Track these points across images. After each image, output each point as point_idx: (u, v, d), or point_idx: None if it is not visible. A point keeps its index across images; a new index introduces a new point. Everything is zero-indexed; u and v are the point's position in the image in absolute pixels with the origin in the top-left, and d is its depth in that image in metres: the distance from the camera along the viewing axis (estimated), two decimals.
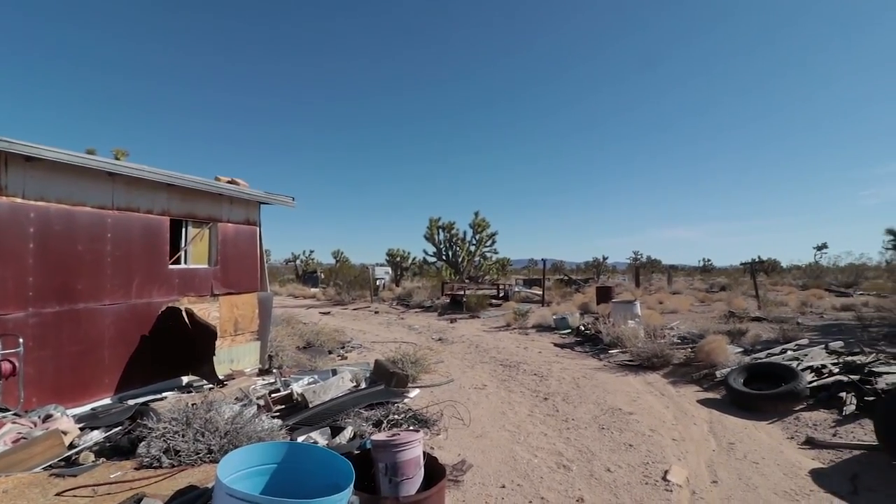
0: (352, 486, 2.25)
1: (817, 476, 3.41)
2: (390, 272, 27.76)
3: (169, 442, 3.31)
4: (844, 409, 4.45)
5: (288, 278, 32.77)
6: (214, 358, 5.23)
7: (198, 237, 5.75)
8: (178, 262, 5.64)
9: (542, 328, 11.14)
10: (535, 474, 3.50)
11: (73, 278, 4.40)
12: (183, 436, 3.35)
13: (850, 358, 5.60)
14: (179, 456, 3.22)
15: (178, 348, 5.35)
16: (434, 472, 2.83)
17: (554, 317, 11.22)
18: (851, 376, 4.89)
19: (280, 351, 6.82)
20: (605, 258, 36.27)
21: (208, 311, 5.68)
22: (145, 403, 4.45)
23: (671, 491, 3.21)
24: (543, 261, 18.53)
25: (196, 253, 5.81)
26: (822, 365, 5.39)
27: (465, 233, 23.88)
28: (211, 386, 5.28)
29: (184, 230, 5.71)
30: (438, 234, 23.92)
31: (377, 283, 23.09)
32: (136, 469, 3.21)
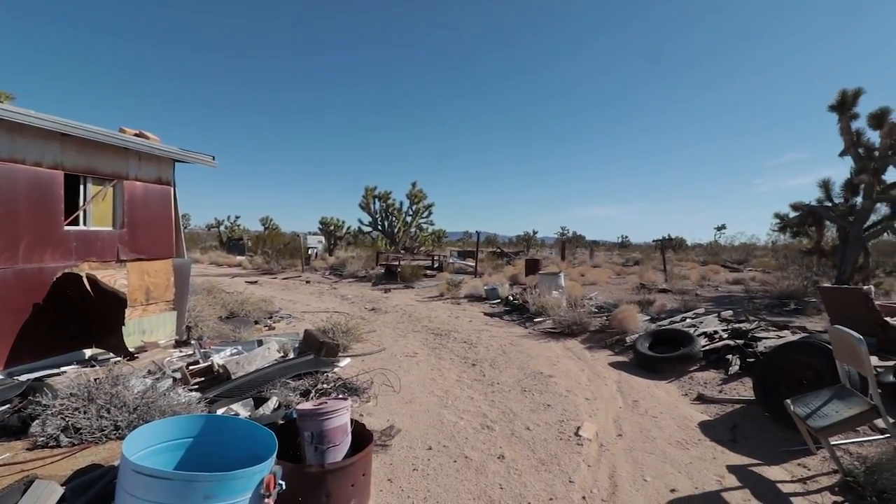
0: (274, 455, 2.22)
1: (704, 427, 3.90)
2: (323, 241, 26.94)
3: (68, 419, 3.04)
4: (730, 369, 5.08)
5: (210, 245, 30.68)
6: (123, 329, 4.81)
7: (100, 196, 5.14)
8: (76, 223, 5.03)
9: (473, 298, 11.46)
10: (460, 435, 3.66)
11: None
12: (85, 412, 3.09)
13: (736, 325, 6.37)
14: (81, 434, 2.97)
15: (80, 319, 4.85)
16: (362, 438, 2.86)
17: (485, 287, 11.57)
18: (737, 341, 5.58)
19: (200, 321, 6.42)
20: (534, 232, 37.75)
21: (114, 278, 5.18)
22: (39, 379, 4.02)
23: (582, 445, 3.51)
24: (477, 233, 18.91)
25: (99, 214, 5.21)
26: (714, 331, 6.09)
27: (401, 203, 23.66)
28: (119, 359, 4.87)
29: (83, 187, 5.09)
30: (374, 203, 23.48)
31: (309, 253, 22.34)
32: (28, 450, 2.93)
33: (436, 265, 18.02)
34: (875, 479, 2.65)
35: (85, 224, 5.12)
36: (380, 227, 23.74)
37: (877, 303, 5.78)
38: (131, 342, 5.17)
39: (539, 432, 3.73)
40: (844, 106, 10.04)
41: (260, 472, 2.13)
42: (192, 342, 5.69)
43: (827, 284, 8.88)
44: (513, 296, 10.47)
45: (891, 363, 4.67)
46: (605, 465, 3.26)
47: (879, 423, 3.38)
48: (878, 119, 9.57)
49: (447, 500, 2.78)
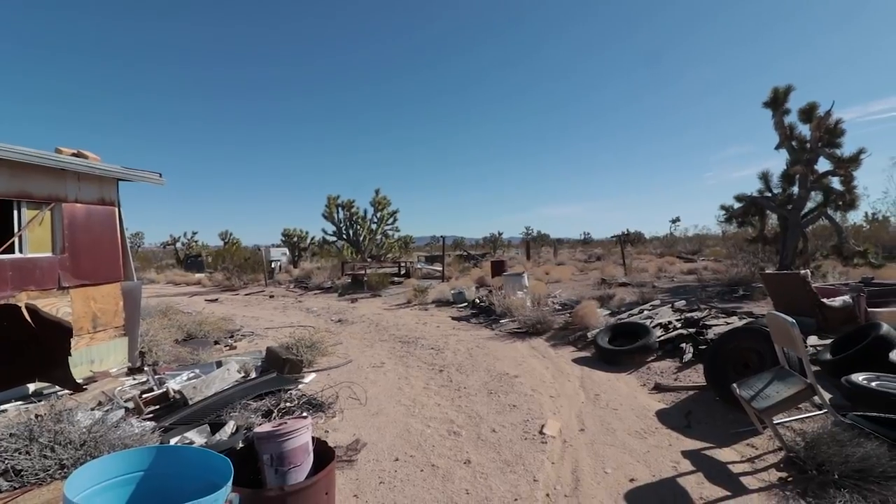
0: (230, 483, 2.16)
1: (661, 415, 4.07)
2: (287, 253, 26.31)
3: (7, 462, 2.85)
4: (684, 357, 5.33)
5: (167, 263, 29.39)
6: (70, 359, 4.54)
7: (36, 220, 4.85)
8: (10, 250, 4.73)
9: (441, 303, 11.49)
10: (427, 444, 3.67)
11: None
12: (27, 452, 2.90)
13: (689, 314, 6.68)
14: (22, 476, 2.79)
15: (20, 352, 4.54)
16: (325, 455, 2.82)
17: (452, 291, 11.63)
18: (690, 330, 5.85)
19: (154, 346, 6.15)
20: (500, 234, 38.26)
21: (56, 306, 4.89)
22: None
23: (546, 443, 3.59)
24: (443, 238, 18.98)
25: (36, 240, 4.90)
26: (668, 321, 6.36)
27: (365, 211, 23.44)
28: (66, 392, 4.60)
29: (17, 213, 4.78)
30: (338, 212, 23.15)
31: (272, 266, 21.78)
32: None
33: (403, 272, 17.96)
34: (814, 454, 2.84)
35: (21, 251, 4.82)
36: (344, 236, 23.43)
37: (814, 285, 6.20)
38: (79, 373, 4.89)
39: (505, 434, 3.79)
40: (777, 102, 10.73)
41: (214, 502, 2.07)
42: (146, 368, 5.44)
43: (770, 271, 9.43)
44: (479, 298, 10.57)
45: (828, 342, 5.03)
46: (568, 460, 3.35)
47: (817, 399, 3.63)
48: (807, 114, 10.29)
49: None
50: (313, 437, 2.84)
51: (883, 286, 6.98)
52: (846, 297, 5.92)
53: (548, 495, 2.89)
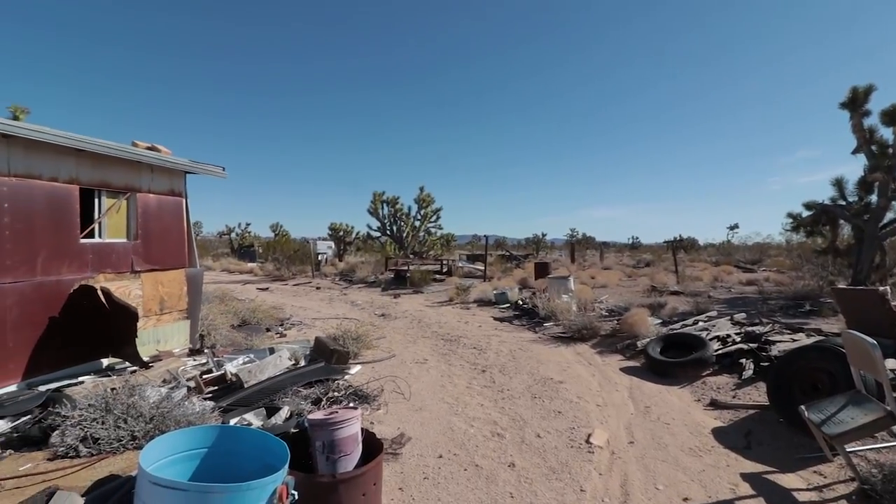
0: (286, 466, 2.24)
1: (718, 434, 3.86)
2: (332, 247, 27.11)
3: (87, 430, 3.11)
4: (743, 373, 5.02)
5: (222, 252, 31.05)
6: (137, 339, 4.89)
7: (114, 208, 5.25)
8: (91, 235, 5.15)
9: (483, 302, 11.45)
10: (470, 443, 3.67)
11: None
12: (102, 423, 3.15)
13: (750, 328, 6.29)
14: (99, 444, 3.04)
15: (96, 329, 4.94)
16: (373, 447, 2.88)
17: (494, 291, 11.56)
18: (751, 344, 5.51)
19: (213, 330, 6.51)
20: (543, 235, 37.63)
21: (129, 289, 5.28)
22: (58, 389, 4.12)
23: (593, 452, 3.49)
24: (486, 237, 18.92)
25: (113, 226, 5.32)
26: (727, 335, 6.02)
27: (409, 208, 23.74)
28: (135, 369, 4.96)
29: (97, 201, 5.20)
30: (383, 208, 23.60)
31: (319, 258, 22.50)
32: (49, 460, 2.99)
33: (445, 269, 18.05)
34: (893, 487, 2.60)
35: (100, 236, 5.23)
36: (388, 232, 23.84)
37: (893, 304, 5.67)
38: (146, 351, 5.26)
39: (549, 440, 3.73)
40: (856, 103, 9.89)
41: (273, 483, 2.16)
42: (206, 351, 5.77)
43: (842, 285, 8.72)
44: (522, 300, 10.45)
45: None
46: (617, 473, 3.24)
47: None
48: (891, 116, 9.41)
49: None
50: (362, 428, 2.91)
51: None
52: None
53: None
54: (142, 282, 5.44)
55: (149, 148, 5.36)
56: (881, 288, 5.62)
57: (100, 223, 5.23)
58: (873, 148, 9.86)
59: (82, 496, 2.34)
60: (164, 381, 4.70)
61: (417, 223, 23.70)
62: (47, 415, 3.37)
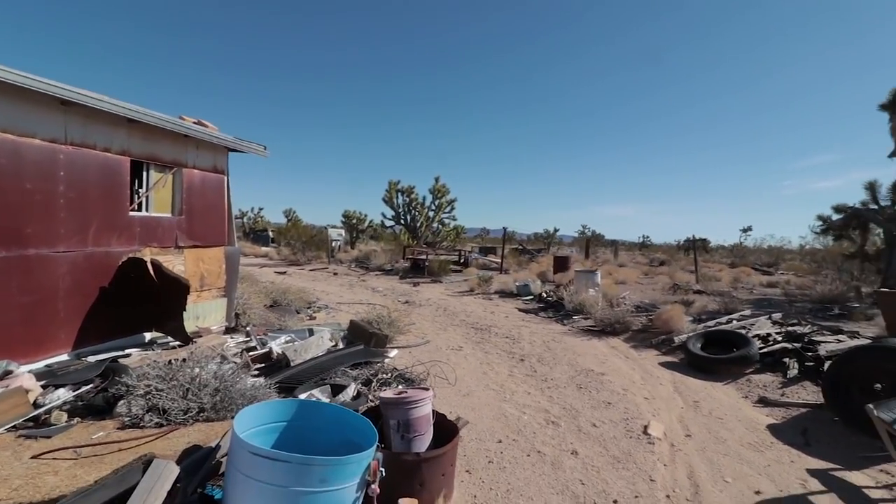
0: (376, 442, 2.23)
1: (774, 430, 3.82)
2: (343, 234, 27.09)
3: (153, 400, 3.10)
4: (788, 372, 4.97)
5: (237, 236, 31.15)
6: (184, 314, 4.90)
7: (161, 182, 5.23)
8: (138, 209, 5.14)
9: (504, 294, 11.42)
10: (527, 430, 3.65)
11: (22, 221, 3.88)
12: (168, 394, 3.15)
13: (790, 328, 6.22)
14: (167, 415, 3.03)
15: (140, 302, 4.95)
16: (443, 428, 2.86)
17: (516, 283, 11.53)
18: (794, 344, 5.45)
19: (248, 309, 6.52)
20: (556, 230, 37.45)
21: (172, 263, 5.27)
22: (114, 360, 4.13)
23: (653, 444, 3.47)
24: (504, 229, 18.87)
25: (159, 200, 5.30)
26: (767, 334, 5.96)
27: (424, 198, 23.65)
28: (178, 343, 4.97)
29: (145, 174, 5.18)
30: (398, 197, 23.52)
31: (332, 245, 22.52)
32: (118, 429, 2.99)
33: (462, 260, 18.02)
34: None
35: (147, 210, 5.22)
36: (402, 222, 23.79)
37: None
38: (187, 327, 5.26)
39: (606, 429, 3.70)
40: None
41: (367, 458, 2.15)
42: (245, 328, 5.78)
43: (884, 289, 8.61)
44: (546, 292, 10.40)
45: None
46: (681, 464, 3.21)
47: None
48: None
49: (530, 494, 2.78)
50: (433, 410, 2.89)
51: None
52: None
53: (668, 497, 2.79)
54: (185, 257, 5.43)
55: (196, 123, 5.32)
56: None
57: (147, 197, 5.21)
58: None
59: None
60: (206, 356, 4.70)
61: (432, 213, 23.63)
62: (112, 383, 3.37)
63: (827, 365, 4.55)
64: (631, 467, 3.11)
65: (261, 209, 35.27)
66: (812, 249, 15.86)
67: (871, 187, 10.45)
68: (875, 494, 2.89)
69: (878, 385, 3.85)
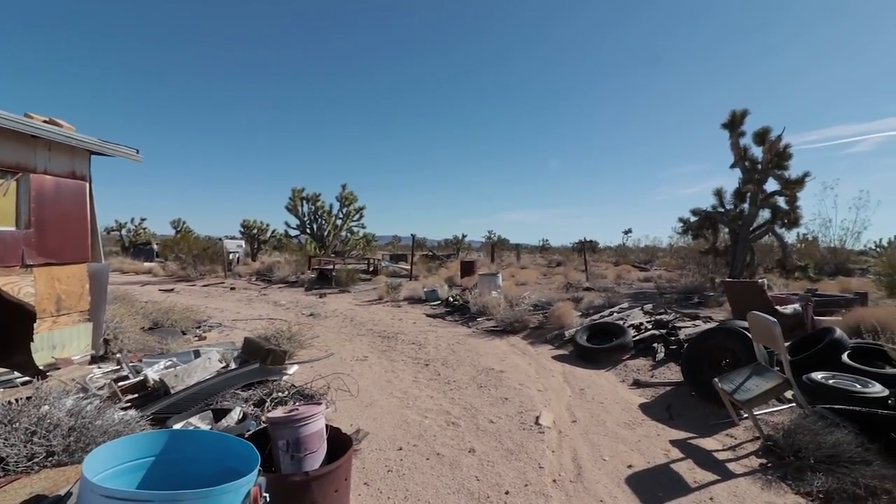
0: (258, 466, 2.11)
1: (644, 408, 4.31)
2: (243, 246, 25.27)
3: None
4: (657, 356, 5.65)
5: (111, 251, 27.41)
6: (31, 345, 4.19)
7: (0, 190, 4.44)
8: None
9: (413, 300, 11.49)
10: (428, 434, 3.70)
11: None
12: (6, 439, 2.67)
13: (658, 317, 7.08)
14: (4, 464, 2.56)
15: None
16: (337, 442, 2.79)
17: (424, 289, 11.66)
18: (661, 331, 6.21)
19: (120, 333, 5.77)
20: (464, 236, 38.59)
21: (18, 286, 4.50)
22: None
23: (543, 433, 3.72)
24: (413, 236, 18.97)
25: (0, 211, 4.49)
26: (640, 323, 6.72)
27: (331, 206, 22.97)
28: (27, 379, 4.24)
29: None
30: (302, 205, 22.57)
31: (230, 258, 20.86)
32: None
33: (371, 269, 17.76)
34: (791, 442, 3.13)
35: None
36: (308, 231, 22.85)
37: (769, 294, 6.75)
38: (40, 359, 4.52)
39: (502, 424, 3.89)
40: (734, 124, 11.57)
41: (247, 485, 2.02)
42: (116, 356, 5.11)
43: (729, 279, 10.12)
44: (453, 297, 10.66)
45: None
46: (567, 449, 3.48)
47: (788, 393, 3.97)
48: (761, 137, 11.16)
49: (428, 497, 2.81)
50: (326, 424, 2.81)
51: (824, 297, 7.70)
52: (796, 306, 6.49)
53: (554, 481, 3.01)
54: (34, 277, 4.66)
55: (46, 121, 4.61)
56: (760, 280, 6.67)
57: None
58: (746, 164, 11.60)
59: None
60: (65, 391, 4.08)
61: (339, 222, 23.02)
62: None
63: (685, 347, 5.25)
64: (523, 458, 3.30)
65: (143, 220, 31.53)
66: (678, 247, 18.22)
67: (719, 193, 12.32)
68: (722, 456, 3.38)
69: (724, 361, 4.54)
